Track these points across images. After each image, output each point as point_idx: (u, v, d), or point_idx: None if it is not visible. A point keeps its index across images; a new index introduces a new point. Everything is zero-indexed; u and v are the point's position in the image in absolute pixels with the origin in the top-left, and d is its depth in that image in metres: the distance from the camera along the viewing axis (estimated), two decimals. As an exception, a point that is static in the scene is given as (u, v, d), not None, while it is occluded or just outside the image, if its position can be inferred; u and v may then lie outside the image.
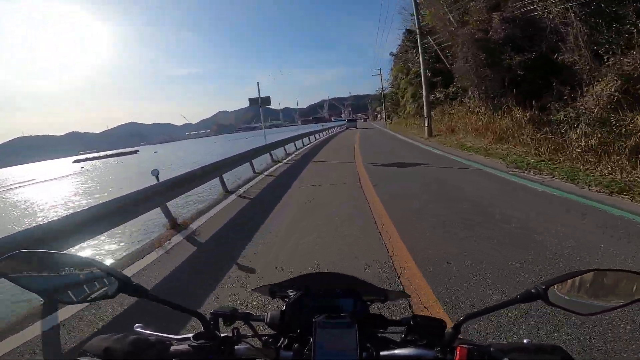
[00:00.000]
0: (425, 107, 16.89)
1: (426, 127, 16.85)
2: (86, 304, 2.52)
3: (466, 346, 0.55)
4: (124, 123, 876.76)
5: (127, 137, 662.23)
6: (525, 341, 0.57)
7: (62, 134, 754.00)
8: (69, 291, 0.60)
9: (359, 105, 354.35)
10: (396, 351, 0.60)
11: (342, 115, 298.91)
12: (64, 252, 0.72)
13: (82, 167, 49.70)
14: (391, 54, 35.23)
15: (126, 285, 0.60)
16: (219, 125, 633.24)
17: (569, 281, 0.58)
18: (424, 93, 17.02)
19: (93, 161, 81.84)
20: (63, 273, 0.59)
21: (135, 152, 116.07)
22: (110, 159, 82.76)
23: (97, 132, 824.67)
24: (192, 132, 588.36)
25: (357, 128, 38.71)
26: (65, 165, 76.62)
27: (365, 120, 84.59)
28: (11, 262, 0.57)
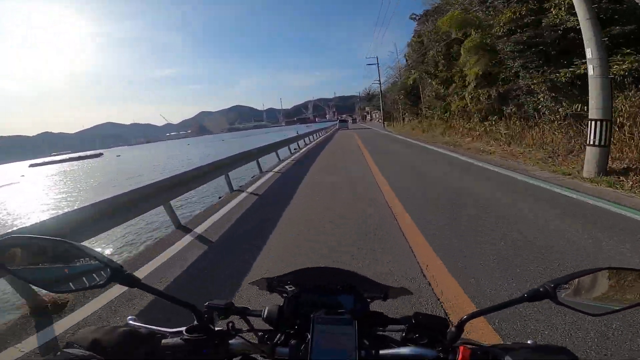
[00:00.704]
0: (598, 96, 5.28)
1: (596, 150, 5.34)
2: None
3: (469, 346, 0.52)
4: (100, 123, 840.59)
5: (103, 138, 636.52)
6: (529, 342, 0.53)
7: (34, 134, 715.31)
8: (60, 280, 0.58)
9: (344, 105, 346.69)
10: (396, 350, 0.56)
11: (327, 116, 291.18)
12: (56, 238, 0.61)
13: (22, 176, 44.88)
14: (413, 16, 23.48)
15: (118, 274, 0.57)
16: (200, 126, 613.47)
17: (579, 280, 0.53)
18: (592, 57, 5.34)
19: (48, 166, 71.93)
20: (54, 261, 0.58)
21: (100, 155, 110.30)
22: (69, 162, 74.15)
23: (72, 132, 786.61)
24: (172, 133, 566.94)
25: (348, 128, 38.11)
26: (19, 170, 67.29)
27: (354, 121, 73.52)
28: (5, 249, 0.57)
